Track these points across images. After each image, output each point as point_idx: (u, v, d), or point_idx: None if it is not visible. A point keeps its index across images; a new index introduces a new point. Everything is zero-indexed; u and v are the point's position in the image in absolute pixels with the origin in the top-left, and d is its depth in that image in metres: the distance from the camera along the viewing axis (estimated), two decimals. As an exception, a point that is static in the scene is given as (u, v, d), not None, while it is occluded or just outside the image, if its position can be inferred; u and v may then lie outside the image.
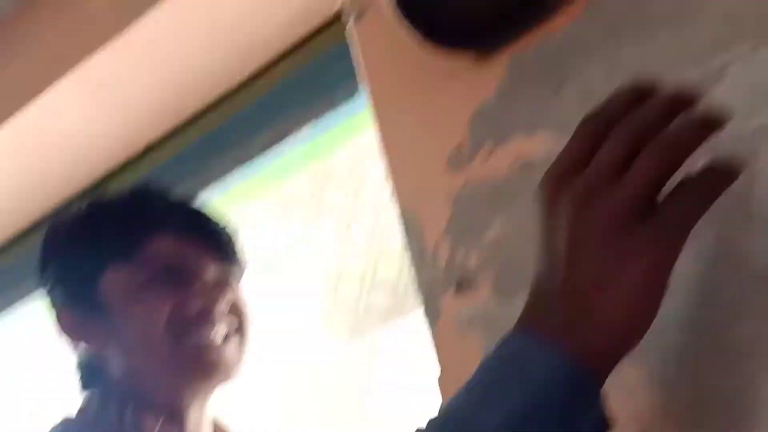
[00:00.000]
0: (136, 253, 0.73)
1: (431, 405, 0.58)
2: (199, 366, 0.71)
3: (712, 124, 0.36)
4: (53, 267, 0.78)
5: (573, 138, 0.39)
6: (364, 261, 2.40)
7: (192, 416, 0.73)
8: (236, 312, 0.75)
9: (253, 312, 0.78)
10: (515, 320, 0.52)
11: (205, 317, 0.72)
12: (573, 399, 0.37)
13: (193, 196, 0.92)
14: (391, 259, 2.48)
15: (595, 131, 0.38)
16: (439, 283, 0.58)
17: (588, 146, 0.38)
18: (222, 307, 0.73)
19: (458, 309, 0.57)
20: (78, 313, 0.75)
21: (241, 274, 0.80)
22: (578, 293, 0.37)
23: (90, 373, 0.76)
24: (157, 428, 0.70)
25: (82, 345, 0.76)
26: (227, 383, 0.74)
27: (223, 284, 0.75)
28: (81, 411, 0.74)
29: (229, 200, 1.46)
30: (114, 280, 0.73)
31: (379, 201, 2.39)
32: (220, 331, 0.72)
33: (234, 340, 0.74)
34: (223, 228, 0.78)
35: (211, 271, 0.74)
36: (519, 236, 0.53)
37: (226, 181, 1.33)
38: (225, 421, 0.82)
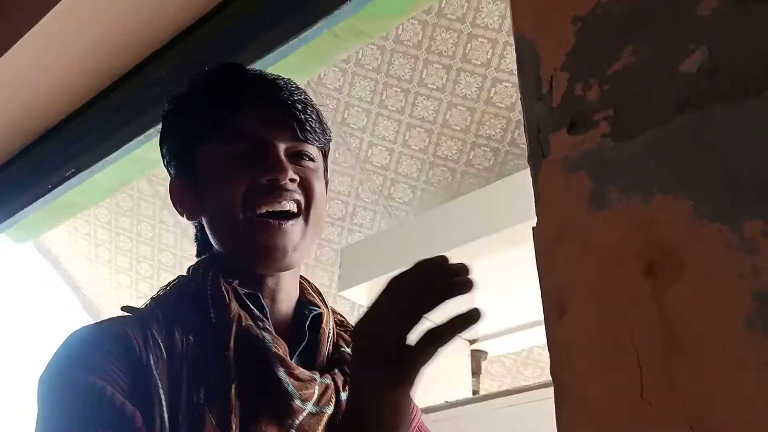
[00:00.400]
0: (225, 130, 0.79)
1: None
2: (262, 240, 0.76)
3: None
4: (166, 144, 0.86)
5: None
6: (468, 115, 2.33)
7: (269, 284, 0.79)
8: (305, 188, 0.79)
9: (321, 198, 0.81)
10: (628, 165, 0.47)
11: (273, 188, 0.76)
12: None
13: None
14: (496, 116, 2.40)
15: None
16: (552, 119, 0.53)
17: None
18: (289, 179, 0.76)
19: (569, 148, 0.52)
20: (183, 185, 0.84)
21: (322, 153, 0.84)
22: None
23: (199, 244, 0.86)
24: (229, 292, 0.75)
25: (186, 215, 0.84)
26: (290, 266, 0.78)
27: (297, 160, 0.79)
28: (185, 277, 0.82)
29: (338, 40, 1.42)
30: (207, 155, 0.81)
31: (489, 52, 2.28)
32: (287, 202, 0.76)
33: (299, 223, 0.77)
34: (304, 106, 0.80)
35: (286, 146, 0.79)
36: (650, 67, 0.47)
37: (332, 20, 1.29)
38: (314, 282, 0.88)
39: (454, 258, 2.07)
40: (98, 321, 0.78)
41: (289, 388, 0.69)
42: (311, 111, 0.81)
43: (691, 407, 0.37)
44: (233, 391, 0.68)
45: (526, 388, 1.73)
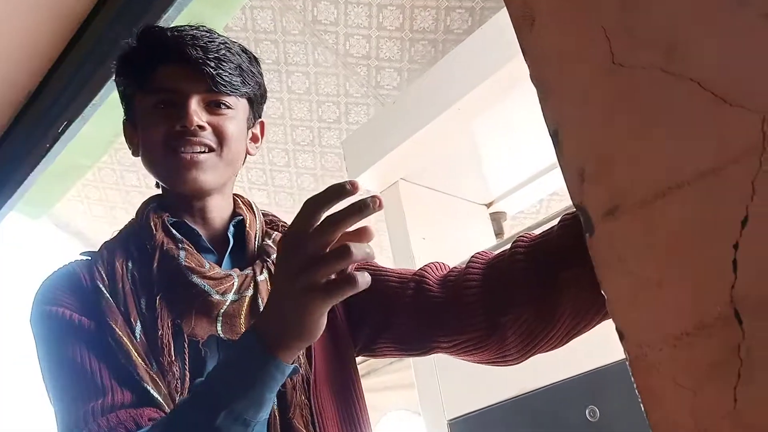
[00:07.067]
0: (147, 83, 0.92)
1: None
2: (182, 171, 0.89)
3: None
4: (117, 90, 1.00)
5: (301, 214, 0.63)
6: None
7: (196, 206, 0.94)
8: (216, 133, 0.91)
9: (235, 140, 0.93)
10: None
11: (185, 134, 0.89)
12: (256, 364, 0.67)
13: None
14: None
15: (314, 212, 0.62)
16: None
17: (311, 223, 0.62)
18: (197, 126, 0.88)
19: None
20: (128, 126, 0.99)
21: (248, 100, 0.96)
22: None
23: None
24: (157, 224, 0.91)
25: (132, 152, 0.99)
26: (203, 187, 0.91)
27: (213, 108, 0.92)
28: (133, 218, 0.98)
29: None
30: (139, 103, 0.94)
31: None
32: (197, 146, 0.89)
33: (212, 156, 0.91)
34: (219, 61, 0.90)
35: (201, 96, 0.91)
36: None
37: None
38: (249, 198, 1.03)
39: (454, 117, 2.07)
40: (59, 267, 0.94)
41: (206, 288, 0.85)
42: (226, 65, 0.91)
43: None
44: (157, 301, 0.85)
45: (549, 219, 1.78)
